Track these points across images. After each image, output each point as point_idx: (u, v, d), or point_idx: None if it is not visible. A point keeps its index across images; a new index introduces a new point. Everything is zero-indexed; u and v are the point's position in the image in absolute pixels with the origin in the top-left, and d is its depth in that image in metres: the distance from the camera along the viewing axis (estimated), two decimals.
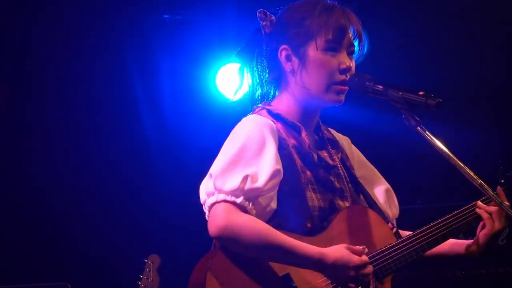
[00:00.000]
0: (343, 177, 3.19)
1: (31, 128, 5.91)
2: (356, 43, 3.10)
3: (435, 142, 2.83)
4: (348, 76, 3.07)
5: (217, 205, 2.91)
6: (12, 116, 5.90)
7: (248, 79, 3.22)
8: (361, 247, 2.97)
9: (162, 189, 6.15)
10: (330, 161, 3.18)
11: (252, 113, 3.14)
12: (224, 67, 5.98)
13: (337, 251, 2.92)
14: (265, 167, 2.94)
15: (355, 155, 3.35)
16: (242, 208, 2.91)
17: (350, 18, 3.10)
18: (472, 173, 2.82)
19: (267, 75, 3.20)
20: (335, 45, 3.07)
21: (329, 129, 3.33)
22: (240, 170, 2.92)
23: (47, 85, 5.92)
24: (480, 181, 2.84)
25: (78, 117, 5.99)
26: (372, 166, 3.37)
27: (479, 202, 3.14)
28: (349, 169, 3.24)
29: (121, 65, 6.04)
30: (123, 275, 5.58)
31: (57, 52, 5.87)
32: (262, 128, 3.02)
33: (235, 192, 2.90)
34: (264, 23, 3.19)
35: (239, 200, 2.90)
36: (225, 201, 2.90)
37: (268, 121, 3.06)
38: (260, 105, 3.19)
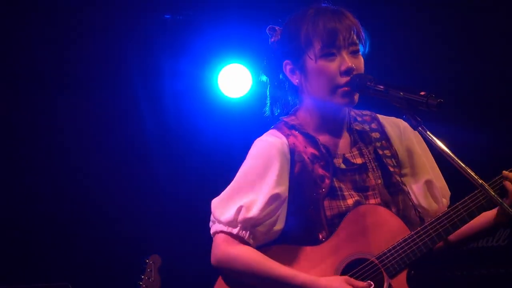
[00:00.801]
0: (374, 172, 3.18)
1: (33, 128, 5.91)
2: (357, 40, 3.11)
3: (436, 142, 2.85)
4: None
5: (217, 235, 3.07)
6: (13, 116, 5.89)
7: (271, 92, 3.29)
8: (365, 284, 2.99)
9: (164, 189, 6.15)
10: (359, 159, 3.18)
11: (271, 128, 3.20)
12: (226, 67, 5.99)
13: (334, 282, 2.97)
14: (262, 194, 3.03)
15: (404, 141, 3.30)
16: (239, 238, 3.04)
17: (341, 18, 3.11)
18: (473, 173, 2.83)
19: (287, 88, 3.25)
20: (330, 50, 3.09)
21: (377, 115, 3.31)
22: (236, 200, 3.04)
23: (49, 85, 5.91)
24: (481, 181, 2.85)
25: (80, 118, 5.99)
26: (420, 155, 3.30)
27: (505, 172, 3.05)
28: (382, 160, 3.21)
29: (122, 65, 6.03)
30: (124, 275, 5.58)
31: (59, 52, 5.86)
32: (268, 150, 3.09)
33: (231, 223, 3.04)
34: (273, 39, 3.25)
35: (235, 230, 3.03)
36: (222, 231, 3.05)
37: (277, 139, 3.12)
38: (282, 117, 3.24)
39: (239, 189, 3.06)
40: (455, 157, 2.83)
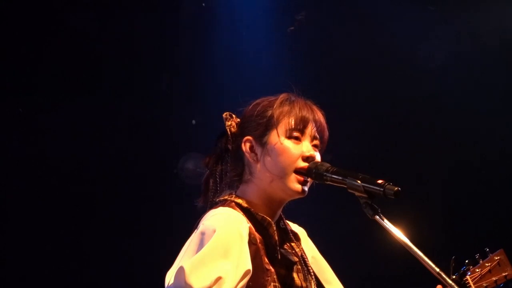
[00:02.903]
0: (306, 272, 3.13)
1: None
2: (319, 137, 3.13)
3: (393, 231, 2.84)
4: None
5: None
6: None
7: (213, 182, 3.20)
8: None
9: None
10: (293, 256, 3.12)
11: (220, 205, 3.08)
12: None
13: None
14: (237, 267, 2.86)
15: (310, 250, 3.29)
16: None
17: (314, 111, 3.14)
18: (430, 262, 2.82)
19: (231, 173, 3.18)
20: (297, 134, 3.09)
21: (286, 220, 3.26)
22: (213, 269, 2.82)
23: None
24: (438, 269, 2.83)
25: None
26: (326, 263, 3.31)
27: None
28: (307, 265, 3.17)
29: None
30: None
31: None
32: (237, 223, 2.95)
33: None
34: (229, 123, 3.21)
35: None
36: None
37: (241, 216, 3.01)
38: (226, 196, 3.14)
39: (214, 257, 2.84)
40: (412, 246, 2.82)
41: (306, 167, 3.06)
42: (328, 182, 3.01)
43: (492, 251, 3.51)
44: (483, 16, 6.24)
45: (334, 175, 2.99)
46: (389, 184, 2.84)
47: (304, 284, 3.11)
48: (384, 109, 6.38)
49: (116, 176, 6.36)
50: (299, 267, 3.12)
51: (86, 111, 6.29)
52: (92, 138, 6.31)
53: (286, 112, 3.11)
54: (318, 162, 3.08)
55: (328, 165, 3.04)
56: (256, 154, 3.12)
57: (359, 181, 2.90)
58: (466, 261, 3.39)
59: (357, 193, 2.90)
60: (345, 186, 2.94)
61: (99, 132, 6.33)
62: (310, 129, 3.11)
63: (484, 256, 3.48)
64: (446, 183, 6.45)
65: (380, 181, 2.86)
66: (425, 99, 6.38)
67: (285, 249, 3.12)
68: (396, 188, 2.82)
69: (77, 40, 6.23)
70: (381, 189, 2.84)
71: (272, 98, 3.18)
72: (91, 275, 6.23)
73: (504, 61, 6.34)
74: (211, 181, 3.19)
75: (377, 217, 2.86)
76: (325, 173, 3.01)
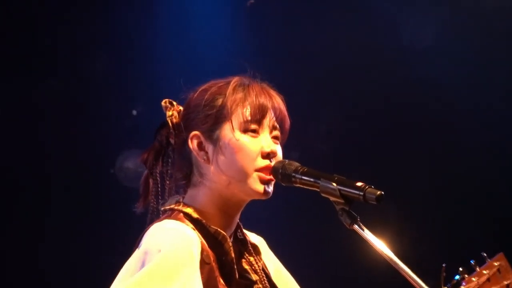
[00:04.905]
0: None
1: None
2: (279, 127, 2.80)
3: (374, 242, 2.57)
4: (273, 162, 2.74)
5: None
6: None
7: (154, 183, 2.87)
8: None
9: None
10: (252, 274, 2.82)
11: (166, 217, 2.73)
12: None
13: None
14: None
15: (272, 262, 2.99)
16: None
17: (271, 96, 2.80)
18: (418, 279, 2.56)
19: (177, 174, 2.85)
20: (254, 126, 2.75)
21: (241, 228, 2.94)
22: None
23: None
24: (425, 286, 2.55)
25: None
26: (290, 276, 3.02)
27: None
28: (270, 279, 2.88)
29: None
30: None
31: None
32: (186, 241, 2.60)
33: None
34: (170, 113, 2.85)
35: None
36: None
37: (190, 231, 2.65)
38: (172, 205, 2.79)
39: (155, 280, 2.53)
40: (397, 261, 2.55)
41: (271, 166, 2.73)
42: (297, 185, 2.71)
43: (490, 256, 3.19)
44: None
45: (305, 176, 2.68)
46: (370, 187, 2.57)
47: None
48: (362, 100, 5.98)
49: (41, 176, 5.89)
50: (260, 286, 2.83)
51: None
52: (12, 130, 5.78)
53: (240, 100, 2.76)
54: (285, 160, 2.75)
55: (297, 164, 2.72)
56: (206, 153, 2.77)
57: (334, 184, 2.61)
58: (460, 269, 3.10)
59: (332, 198, 2.61)
60: (318, 190, 2.64)
61: (21, 122, 5.79)
62: (269, 119, 2.78)
63: (481, 262, 3.18)
64: (434, 185, 6.08)
65: (359, 184, 2.58)
66: (411, 87, 5.94)
67: (242, 266, 2.82)
68: (378, 192, 2.54)
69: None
70: (361, 193, 2.55)
71: (222, 82, 2.83)
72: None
73: (495, 42, 5.90)
74: (151, 181, 2.86)
75: (356, 226, 2.58)
76: (294, 174, 2.69)
